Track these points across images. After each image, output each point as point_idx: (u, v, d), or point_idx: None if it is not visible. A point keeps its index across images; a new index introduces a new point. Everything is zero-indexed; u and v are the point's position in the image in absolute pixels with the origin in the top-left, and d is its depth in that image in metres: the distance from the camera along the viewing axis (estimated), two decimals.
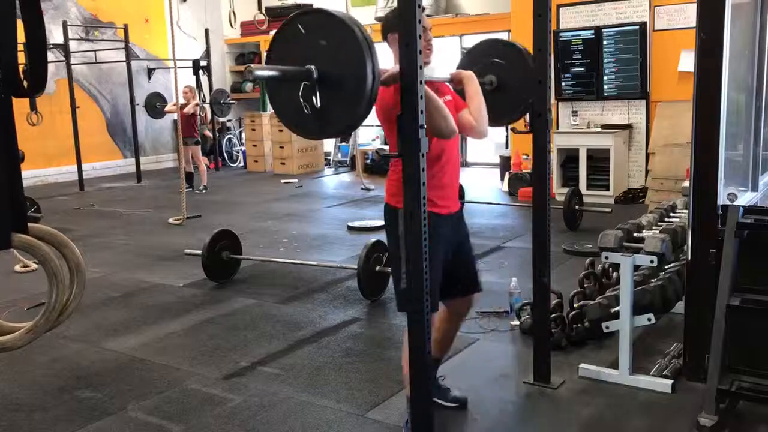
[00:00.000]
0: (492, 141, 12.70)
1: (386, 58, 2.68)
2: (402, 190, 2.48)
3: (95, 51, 12.09)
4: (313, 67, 2.28)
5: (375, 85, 2.24)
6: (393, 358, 3.83)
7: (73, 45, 11.16)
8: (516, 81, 3.48)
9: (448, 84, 3.07)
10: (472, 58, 3.63)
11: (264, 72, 2.32)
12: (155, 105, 11.92)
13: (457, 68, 3.40)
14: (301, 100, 2.30)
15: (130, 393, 3.52)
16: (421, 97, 2.29)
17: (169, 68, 13.10)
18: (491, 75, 3.51)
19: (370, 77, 2.22)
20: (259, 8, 14.25)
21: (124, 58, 11.63)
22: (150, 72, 13.37)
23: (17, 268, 5.87)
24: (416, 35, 2.22)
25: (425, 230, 2.36)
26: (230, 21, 12.42)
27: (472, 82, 3.01)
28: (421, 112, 2.30)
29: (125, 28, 11.55)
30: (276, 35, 2.41)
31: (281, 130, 12.21)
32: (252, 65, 2.20)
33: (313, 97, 2.28)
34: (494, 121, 3.17)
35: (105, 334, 4.35)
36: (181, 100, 9.98)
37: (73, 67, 10.99)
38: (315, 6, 2.02)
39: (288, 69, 2.32)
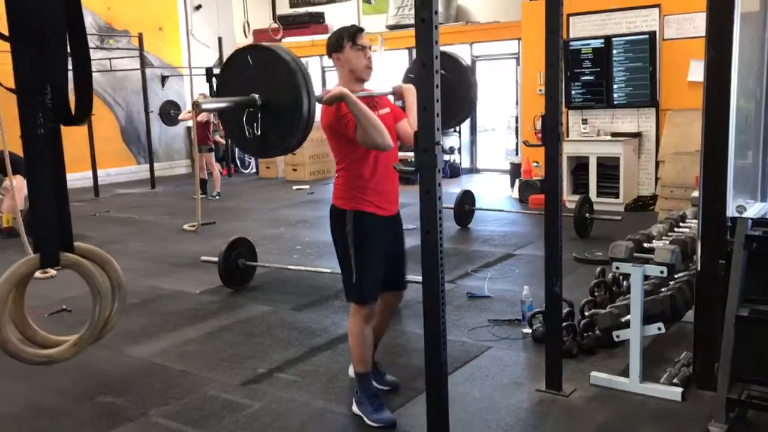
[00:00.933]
0: (502, 147, 12.79)
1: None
2: (347, 193, 3.17)
3: (110, 59, 12.25)
4: (257, 95, 2.51)
5: (311, 111, 2.49)
6: (407, 365, 3.91)
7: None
8: (456, 91, 3.75)
9: (389, 97, 3.41)
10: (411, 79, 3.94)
11: (211, 105, 2.54)
12: (169, 112, 12.09)
13: (405, 74, 3.76)
14: (245, 124, 2.49)
15: (151, 399, 3.61)
16: (438, 115, 2.37)
17: (182, 76, 13.27)
18: None
19: (305, 105, 2.46)
20: (273, 17, 14.37)
21: (139, 66, 11.79)
22: (164, 80, 13.53)
23: (37, 274, 5.96)
24: (433, 58, 2.29)
25: (441, 246, 2.44)
26: (245, 30, 12.54)
27: (411, 94, 3.33)
28: (438, 129, 2.38)
29: (140, 37, 11.71)
30: (224, 66, 2.66)
31: None
32: (199, 99, 2.41)
33: (255, 123, 2.47)
34: None
35: (126, 340, 4.45)
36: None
37: (92, 77, 11.12)
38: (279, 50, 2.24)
39: (234, 99, 2.55)
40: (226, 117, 2.69)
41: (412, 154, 2.38)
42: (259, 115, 2.51)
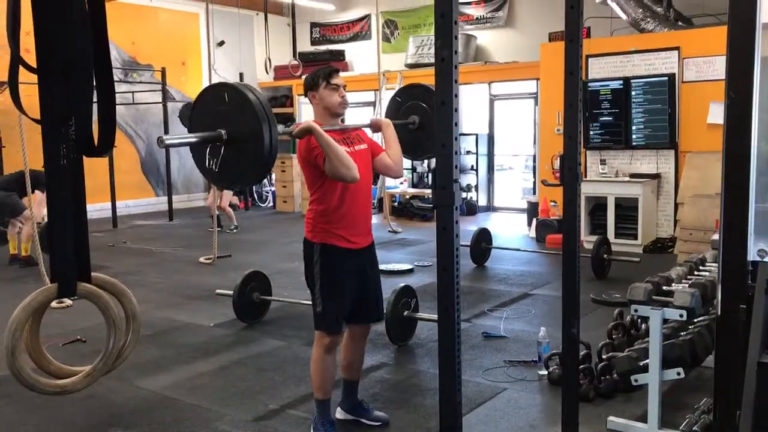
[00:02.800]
0: (519, 186, 12.78)
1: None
2: (316, 226, 3.31)
3: (133, 92, 12.45)
4: (223, 130, 2.62)
5: (273, 142, 2.61)
6: (420, 404, 3.86)
7: None
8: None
9: (367, 131, 3.59)
10: (401, 98, 4.16)
11: (175, 140, 2.62)
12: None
13: (393, 98, 4.19)
14: (208, 157, 2.67)
15: None
16: (456, 153, 2.38)
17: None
18: (415, 115, 4.04)
19: (267, 137, 2.58)
20: (294, 54, 14.60)
21: (161, 100, 11.96)
22: None
23: (53, 304, 5.99)
24: (452, 96, 2.30)
25: (458, 284, 2.42)
26: (266, 67, 12.72)
27: (388, 127, 3.57)
28: (456, 166, 2.38)
29: (163, 71, 11.91)
30: (194, 103, 2.83)
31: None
32: (163, 135, 2.50)
33: (217, 156, 2.57)
34: (414, 155, 4.14)
35: (138, 372, 4.43)
36: None
37: (115, 111, 11.30)
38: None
39: (200, 135, 2.66)
40: (195, 154, 2.83)
41: (428, 191, 2.41)
42: (222, 148, 2.66)
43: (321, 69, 3.43)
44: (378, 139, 3.67)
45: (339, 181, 3.20)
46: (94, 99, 1.68)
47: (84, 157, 1.74)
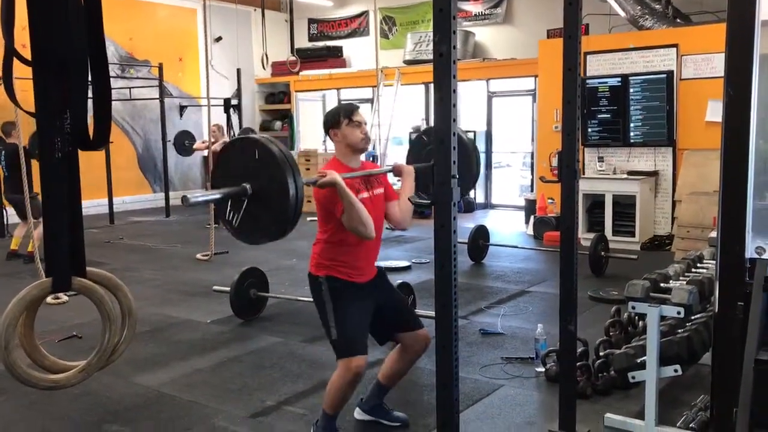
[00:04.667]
0: (517, 183, 12.79)
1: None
2: (322, 261, 3.32)
3: (130, 88, 12.42)
4: (248, 185, 2.64)
5: (299, 198, 2.63)
6: (418, 401, 3.85)
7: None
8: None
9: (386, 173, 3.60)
10: (427, 137, 4.07)
11: (200, 198, 2.62)
12: (184, 143, 12.17)
13: (412, 143, 4.13)
14: (229, 211, 2.66)
15: (157, 429, 3.58)
16: (453, 149, 2.37)
17: (200, 106, 13.41)
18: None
19: (292, 192, 2.59)
20: (292, 50, 14.58)
21: (158, 96, 11.93)
22: (182, 110, 13.68)
23: (48, 299, 5.98)
24: (450, 92, 2.29)
25: (455, 280, 2.41)
26: (263, 63, 12.69)
27: (409, 176, 3.53)
28: (454, 162, 2.37)
29: (160, 67, 11.88)
30: (221, 156, 2.84)
31: (308, 168, 12.38)
32: (187, 195, 2.51)
33: (237, 213, 2.56)
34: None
35: (134, 368, 4.42)
36: (211, 138, 10.19)
37: (111, 104, 11.27)
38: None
39: (226, 190, 2.67)
40: (219, 207, 2.82)
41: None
42: (246, 202, 2.66)
43: (341, 106, 3.43)
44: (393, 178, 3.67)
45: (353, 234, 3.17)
46: (90, 92, 1.67)
47: (80, 152, 1.73)
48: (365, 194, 3.31)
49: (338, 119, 3.34)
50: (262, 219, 2.68)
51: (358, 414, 3.65)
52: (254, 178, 2.66)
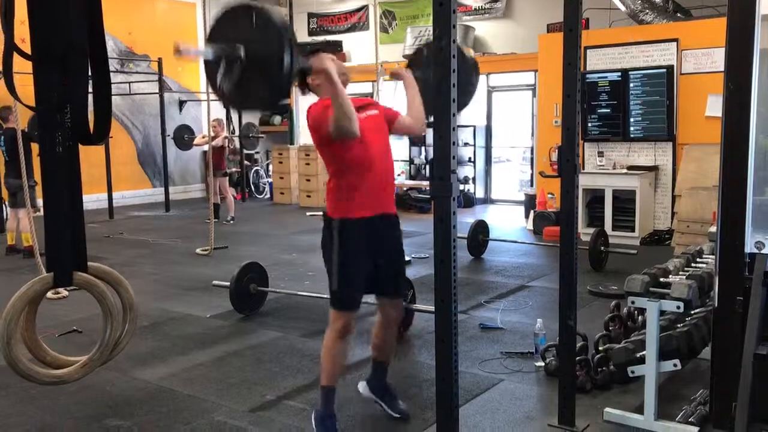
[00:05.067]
0: (517, 178, 12.78)
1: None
2: (335, 201, 3.28)
3: (129, 83, 12.41)
4: (241, 46, 2.55)
5: (293, 67, 2.55)
6: (417, 395, 3.86)
7: None
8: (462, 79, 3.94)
9: (376, 102, 3.54)
10: (428, 51, 3.89)
11: (193, 52, 2.56)
12: (183, 137, 12.17)
13: (412, 58, 4.01)
14: (220, 77, 2.58)
15: (157, 423, 3.58)
16: (454, 144, 2.37)
17: (200, 101, 13.40)
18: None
19: (287, 60, 2.52)
20: None
21: (158, 90, 11.92)
22: (181, 104, 13.67)
23: (49, 294, 5.98)
24: (450, 85, 2.29)
25: (455, 275, 2.41)
26: None
27: (407, 77, 3.50)
28: (453, 157, 2.37)
29: (159, 61, 11.86)
30: (214, 23, 2.72)
31: (308, 164, 12.39)
32: (180, 43, 2.43)
33: (231, 75, 2.51)
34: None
35: (134, 363, 4.43)
36: (210, 133, 10.19)
37: (111, 99, 11.26)
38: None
39: (217, 47, 2.59)
40: (208, 68, 2.73)
41: (425, 183, 2.40)
42: (238, 68, 2.58)
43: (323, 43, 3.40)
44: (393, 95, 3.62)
45: (343, 138, 3.08)
46: (90, 87, 1.67)
47: (80, 147, 1.73)
48: (361, 114, 3.21)
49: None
50: (253, 86, 2.62)
51: (362, 388, 3.66)
52: (250, 43, 2.59)
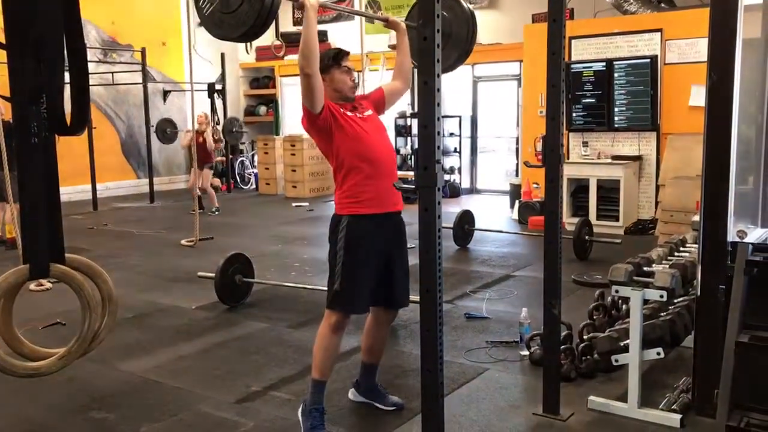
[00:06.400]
0: (502, 168, 12.81)
1: None
2: (343, 198, 3.23)
3: (112, 73, 12.29)
4: None
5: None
6: (403, 385, 3.87)
7: (90, 66, 11.21)
8: (457, 30, 4.05)
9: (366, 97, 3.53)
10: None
11: None
12: (165, 130, 12.05)
13: (411, 12, 4.12)
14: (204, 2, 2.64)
15: (143, 415, 3.56)
16: (438, 134, 2.36)
17: (184, 91, 13.29)
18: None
19: None
20: (276, 34, 14.43)
21: (141, 81, 11.81)
22: (165, 94, 13.56)
23: (32, 286, 5.94)
24: (434, 76, 2.28)
25: (440, 265, 2.41)
26: (247, 48, 12.56)
27: (404, 37, 3.57)
28: (438, 147, 2.36)
29: (143, 51, 11.76)
30: None
31: (293, 154, 12.34)
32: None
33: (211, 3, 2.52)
34: None
35: (119, 355, 4.40)
36: (197, 127, 10.13)
37: (90, 88, 11.13)
38: None
39: None
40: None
41: (411, 173, 2.40)
42: None
43: (330, 50, 3.37)
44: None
45: (306, 80, 3.11)
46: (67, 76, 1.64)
47: (63, 138, 1.71)
48: (355, 115, 3.28)
49: (327, 63, 3.28)
50: (235, 13, 2.67)
51: (352, 395, 3.66)
52: None
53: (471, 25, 4.10)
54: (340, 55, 3.32)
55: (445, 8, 3.88)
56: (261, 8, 2.83)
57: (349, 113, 3.28)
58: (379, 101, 3.51)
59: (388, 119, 12.86)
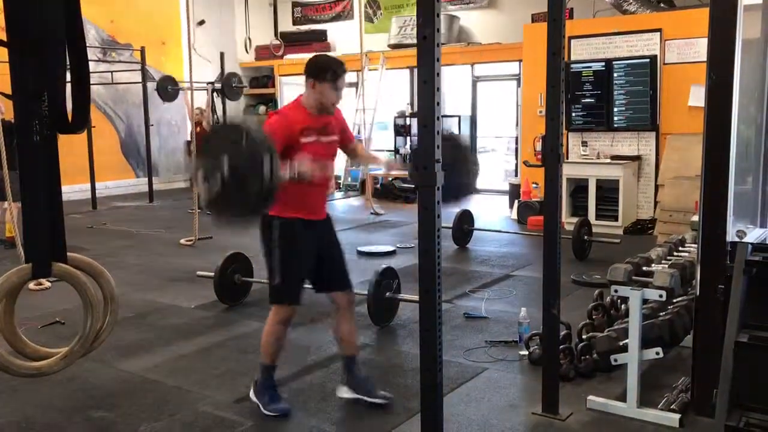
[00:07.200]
0: (501, 168, 12.81)
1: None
2: (286, 200, 3.21)
3: (112, 72, 12.27)
4: (225, 158, 2.68)
5: (273, 180, 2.69)
6: (402, 385, 3.87)
7: (90, 66, 11.26)
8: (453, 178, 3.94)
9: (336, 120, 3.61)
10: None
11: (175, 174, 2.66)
12: (167, 88, 11.74)
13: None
14: (205, 186, 2.72)
15: (142, 414, 3.56)
16: (437, 133, 2.36)
17: (183, 90, 13.27)
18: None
19: (267, 172, 2.65)
20: (276, 34, 14.45)
21: (140, 80, 11.80)
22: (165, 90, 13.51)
23: (31, 286, 5.93)
24: (434, 75, 2.28)
25: (439, 265, 2.41)
26: (246, 47, 12.57)
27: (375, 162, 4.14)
28: (438, 146, 2.36)
29: (142, 51, 11.74)
30: (204, 142, 2.94)
31: None
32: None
33: (215, 186, 2.68)
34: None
35: (119, 354, 4.40)
36: (196, 118, 10.14)
37: (90, 87, 11.12)
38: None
39: (201, 163, 2.79)
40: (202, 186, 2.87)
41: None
42: (221, 175, 2.69)
43: (332, 62, 3.45)
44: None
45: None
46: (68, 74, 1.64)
47: (63, 137, 1.70)
48: (321, 139, 3.43)
49: (324, 75, 3.36)
50: (234, 198, 2.73)
51: (344, 392, 3.68)
52: (234, 156, 2.70)
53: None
54: (338, 73, 3.40)
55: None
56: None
57: (311, 138, 3.39)
58: (345, 141, 3.69)
59: (388, 118, 12.86)
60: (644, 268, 3.70)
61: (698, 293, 3.33)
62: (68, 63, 1.62)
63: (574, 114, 9.08)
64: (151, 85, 12.08)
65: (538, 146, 9.11)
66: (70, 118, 1.61)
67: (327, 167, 3.46)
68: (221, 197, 2.72)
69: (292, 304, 3.49)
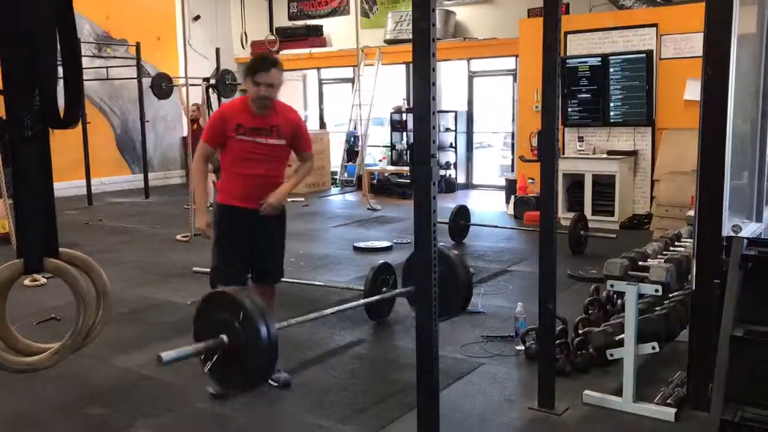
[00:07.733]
0: (498, 163, 12.82)
1: None
2: (223, 187, 3.73)
3: (107, 68, 12.23)
4: (225, 337, 2.76)
5: (272, 357, 2.76)
6: (398, 380, 3.87)
7: (85, 61, 11.26)
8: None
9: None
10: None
11: (175, 355, 2.64)
12: (161, 85, 11.70)
13: None
14: (207, 362, 2.76)
15: (138, 410, 3.56)
16: (434, 128, 2.36)
17: (178, 87, 13.24)
18: None
19: (265, 342, 2.71)
20: (271, 29, 14.41)
21: (136, 75, 11.76)
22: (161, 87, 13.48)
23: (26, 282, 5.91)
24: (430, 70, 2.28)
25: (436, 260, 2.41)
26: (242, 42, 12.51)
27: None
28: (434, 141, 2.36)
29: (137, 46, 11.70)
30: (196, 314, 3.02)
31: None
32: (162, 353, 2.68)
33: (210, 361, 2.73)
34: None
35: (114, 350, 4.39)
36: (191, 116, 10.09)
37: (84, 83, 11.09)
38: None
39: (200, 346, 2.79)
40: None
41: (407, 168, 2.40)
42: (220, 355, 2.75)
43: (259, 59, 3.62)
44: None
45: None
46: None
47: (57, 133, 1.70)
48: (257, 139, 3.60)
49: (247, 72, 3.58)
50: (234, 373, 2.80)
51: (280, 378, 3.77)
52: (232, 333, 2.76)
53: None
54: (256, 68, 3.54)
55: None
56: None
57: (243, 136, 3.56)
58: (297, 148, 3.88)
59: (384, 113, 12.85)
60: (640, 263, 3.70)
61: (694, 288, 3.33)
62: (60, 57, 1.61)
63: (570, 109, 9.08)
64: (147, 81, 12.05)
65: (534, 141, 9.10)
66: (62, 113, 1.60)
67: (255, 166, 3.61)
68: (217, 371, 2.77)
69: (228, 285, 3.45)
